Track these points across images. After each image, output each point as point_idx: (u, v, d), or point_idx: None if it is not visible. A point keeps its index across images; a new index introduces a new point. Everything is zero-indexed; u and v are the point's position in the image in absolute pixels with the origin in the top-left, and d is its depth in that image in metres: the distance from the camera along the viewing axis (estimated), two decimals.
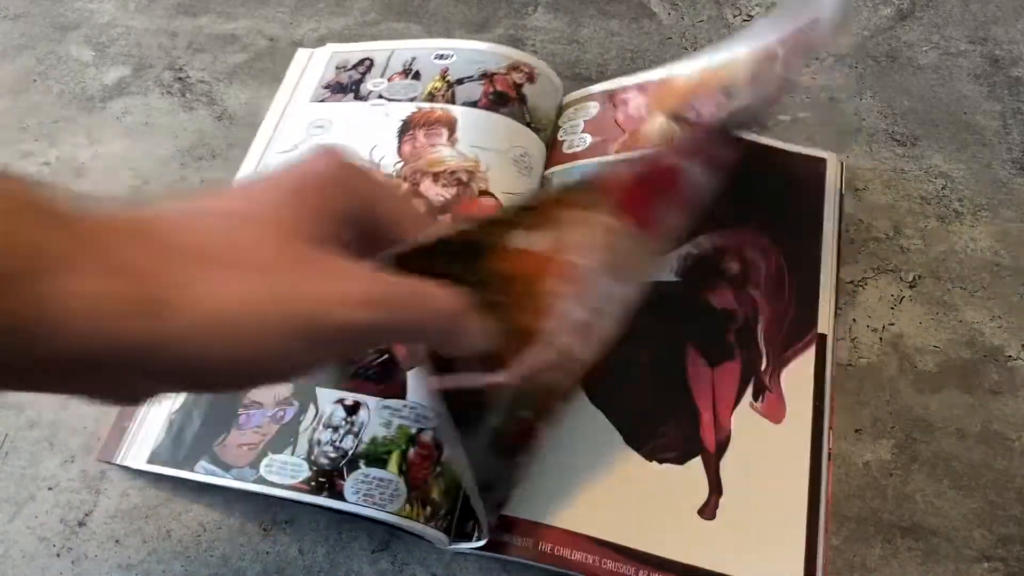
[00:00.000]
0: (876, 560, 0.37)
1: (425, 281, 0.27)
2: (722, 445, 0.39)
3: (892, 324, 0.44)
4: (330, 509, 0.36)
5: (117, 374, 0.23)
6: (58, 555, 0.37)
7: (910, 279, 0.45)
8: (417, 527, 0.36)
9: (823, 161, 0.48)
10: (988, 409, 0.41)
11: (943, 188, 0.49)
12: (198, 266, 0.23)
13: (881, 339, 0.43)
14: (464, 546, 0.36)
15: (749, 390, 0.41)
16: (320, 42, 0.55)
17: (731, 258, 0.44)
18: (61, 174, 0.49)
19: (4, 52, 0.55)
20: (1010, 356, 0.43)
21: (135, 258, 0.22)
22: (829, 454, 0.39)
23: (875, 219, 0.48)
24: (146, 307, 0.22)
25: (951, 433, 0.41)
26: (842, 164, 0.49)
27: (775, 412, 0.40)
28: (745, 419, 0.40)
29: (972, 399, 0.41)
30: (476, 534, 0.36)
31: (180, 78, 0.54)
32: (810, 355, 0.42)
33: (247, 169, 0.48)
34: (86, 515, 0.38)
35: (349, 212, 0.28)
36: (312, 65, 0.53)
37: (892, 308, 0.44)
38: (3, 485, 0.39)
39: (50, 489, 0.39)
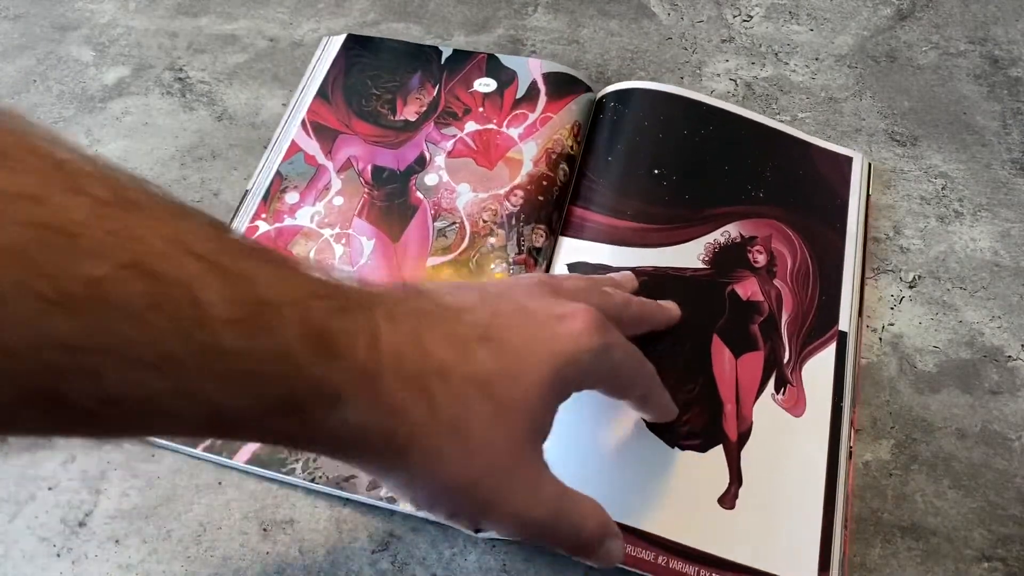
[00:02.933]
0: (876, 560, 0.37)
1: (585, 504, 0.31)
2: (743, 436, 0.39)
3: (892, 324, 0.44)
4: (338, 499, 0.37)
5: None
6: (58, 555, 0.37)
7: (910, 279, 0.45)
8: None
9: (849, 160, 0.49)
10: (988, 409, 0.41)
11: (943, 188, 0.49)
12: (440, 435, 0.26)
13: (881, 339, 0.43)
14: (491, 534, 0.37)
15: (771, 382, 0.41)
16: (320, 42, 0.55)
17: (758, 249, 0.44)
18: None
19: (4, 52, 0.55)
20: (1010, 356, 0.43)
21: (395, 396, 0.25)
22: (850, 452, 0.39)
23: (875, 219, 0.48)
24: (393, 448, 0.26)
25: (951, 433, 0.41)
26: (869, 165, 0.49)
27: (795, 406, 0.40)
28: (766, 411, 0.40)
29: (972, 399, 0.41)
30: None
31: (180, 78, 0.54)
32: (830, 352, 0.42)
33: (263, 158, 0.49)
34: (86, 515, 0.38)
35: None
36: (325, 55, 0.53)
37: (892, 308, 0.44)
38: (3, 485, 0.39)
39: (50, 489, 0.39)
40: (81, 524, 0.38)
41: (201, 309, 0.21)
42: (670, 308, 0.40)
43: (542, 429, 0.29)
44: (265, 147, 0.50)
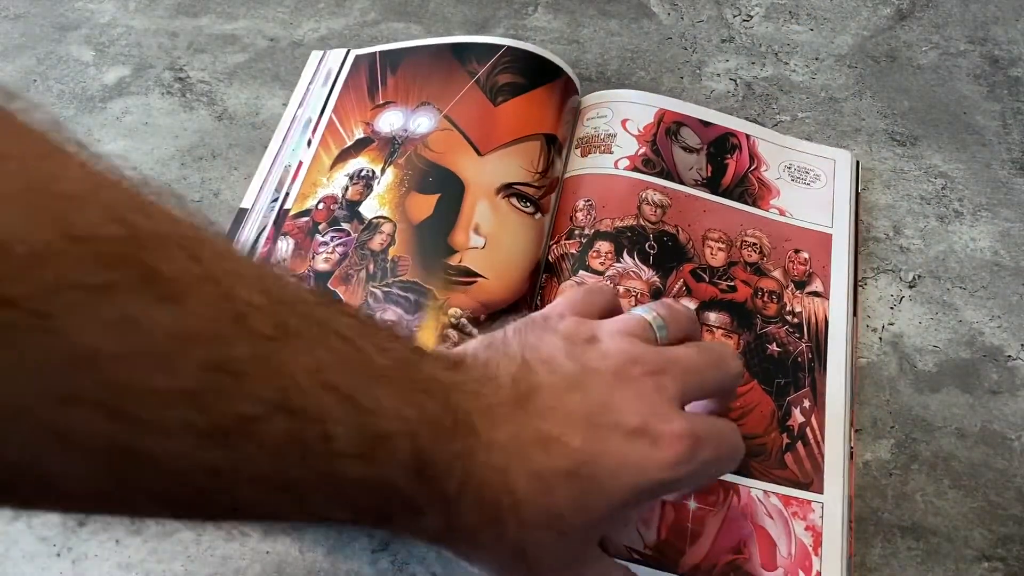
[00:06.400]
0: (876, 560, 0.37)
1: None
2: None
3: (892, 324, 0.44)
4: None
5: None
6: (58, 555, 0.37)
7: (910, 279, 0.45)
8: None
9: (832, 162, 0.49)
10: (988, 409, 0.41)
11: (943, 188, 0.49)
12: (502, 558, 0.29)
13: (881, 339, 0.43)
14: None
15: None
16: (320, 42, 0.55)
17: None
18: None
19: (4, 52, 0.55)
20: (1010, 356, 0.43)
21: (469, 519, 0.28)
22: (851, 452, 0.39)
23: (875, 219, 0.48)
24: (462, 557, 0.30)
25: (951, 433, 0.41)
26: (858, 163, 0.49)
27: None
28: None
29: (972, 399, 0.42)
30: None
31: (180, 78, 0.54)
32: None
33: (263, 171, 0.48)
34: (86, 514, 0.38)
35: None
36: (323, 69, 0.52)
37: (892, 308, 0.44)
38: None
39: None
40: (81, 524, 0.38)
41: (329, 443, 0.23)
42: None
43: (601, 532, 0.31)
44: (266, 147, 0.50)
